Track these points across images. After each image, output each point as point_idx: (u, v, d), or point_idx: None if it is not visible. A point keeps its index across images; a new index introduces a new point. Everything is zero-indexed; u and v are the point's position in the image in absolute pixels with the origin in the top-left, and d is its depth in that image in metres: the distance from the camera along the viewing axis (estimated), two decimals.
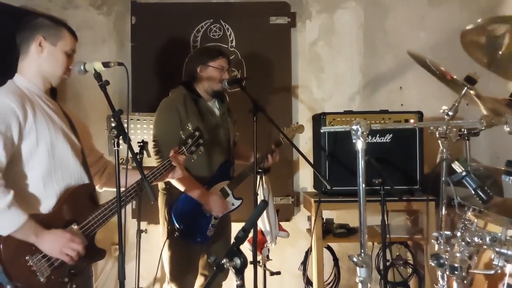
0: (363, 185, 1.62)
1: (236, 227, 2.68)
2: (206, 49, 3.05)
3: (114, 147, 1.70)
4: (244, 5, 3.62)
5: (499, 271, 1.36)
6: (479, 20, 1.43)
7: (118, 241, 1.68)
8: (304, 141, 3.54)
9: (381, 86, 3.69)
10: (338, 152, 3.03)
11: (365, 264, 1.53)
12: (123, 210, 1.70)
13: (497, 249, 1.36)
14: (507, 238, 1.37)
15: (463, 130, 1.87)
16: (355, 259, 1.54)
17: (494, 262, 1.36)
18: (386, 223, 2.69)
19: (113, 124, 1.75)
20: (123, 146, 1.78)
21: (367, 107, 3.55)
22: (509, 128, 1.58)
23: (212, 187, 2.57)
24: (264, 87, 3.54)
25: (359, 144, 1.60)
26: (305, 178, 3.63)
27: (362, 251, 1.57)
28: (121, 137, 1.71)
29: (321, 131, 3.03)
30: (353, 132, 1.60)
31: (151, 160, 2.56)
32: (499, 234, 1.39)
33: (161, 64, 3.50)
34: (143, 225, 3.00)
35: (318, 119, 3.14)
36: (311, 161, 3.17)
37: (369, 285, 1.53)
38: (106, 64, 1.76)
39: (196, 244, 2.54)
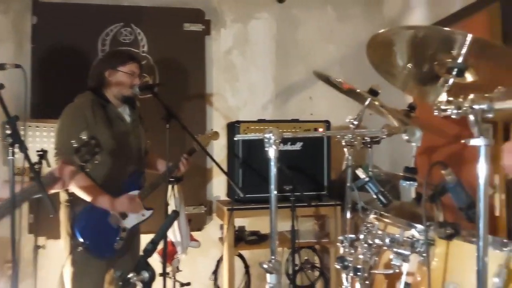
0: (275, 192, 1.64)
1: (146, 239, 2.60)
2: (115, 53, 2.93)
3: (9, 156, 1.56)
4: (156, 10, 3.55)
5: (397, 270, 1.44)
6: (382, 30, 1.52)
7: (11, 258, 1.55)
8: (219, 149, 3.54)
9: (293, 96, 3.80)
10: (251, 159, 3.08)
11: (275, 270, 1.55)
12: (16, 224, 1.56)
13: (395, 250, 1.44)
14: (404, 239, 1.46)
15: (366, 138, 1.96)
16: (265, 266, 1.55)
17: (392, 262, 1.44)
18: (296, 228, 2.76)
19: (8, 132, 1.61)
20: (19, 155, 1.65)
21: (279, 116, 3.64)
22: (407, 136, 1.70)
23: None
24: (178, 94, 3.49)
25: (272, 152, 1.62)
26: (218, 186, 3.62)
27: (273, 257, 1.58)
28: (17, 145, 1.58)
29: (235, 139, 3.06)
30: (266, 140, 1.62)
31: None
32: (397, 236, 1.47)
33: (66, 68, 3.29)
34: (41, 240, 2.81)
35: (233, 127, 3.16)
36: (225, 169, 3.18)
37: None
38: (1, 66, 1.63)
39: (102, 259, 2.40)
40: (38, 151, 2.41)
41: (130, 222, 2.47)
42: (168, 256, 2.67)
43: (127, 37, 3.48)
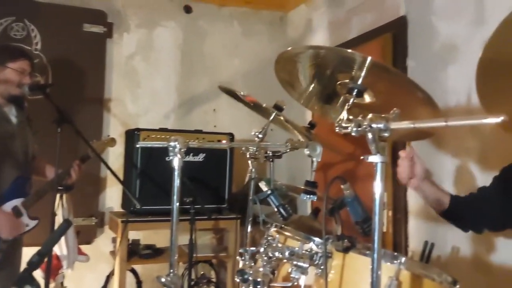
0: (177, 204, 1.59)
1: (27, 252, 2.38)
2: (4, 48, 2.67)
3: None
4: (54, 7, 3.32)
5: (295, 283, 1.46)
6: (290, 48, 1.56)
7: None
8: (114, 157, 3.37)
9: (196, 107, 3.77)
10: (150, 170, 2.97)
11: (174, 284, 1.50)
12: None
13: (294, 262, 1.46)
14: (303, 252, 1.49)
15: (268, 152, 2.00)
16: (163, 280, 1.49)
17: (291, 275, 1.46)
18: (194, 242, 2.71)
19: None
20: None
21: (181, 126, 3.58)
22: (309, 151, 1.75)
23: (3, 204, 2.23)
24: (73, 96, 3.28)
25: (176, 161, 1.57)
26: (112, 197, 3.45)
27: (172, 271, 1.52)
28: None
29: (137, 146, 2.94)
30: (171, 148, 1.56)
31: None
32: (297, 249, 1.50)
33: None
34: None
35: (132, 135, 3.04)
36: (121, 178, 3.03)
37: None
38: None
39: None
40: None
41: None
42: (52, 271, 2.46)
43: (18, 33, 3.21)
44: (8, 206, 2.25)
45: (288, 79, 1.79)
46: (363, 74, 1.47)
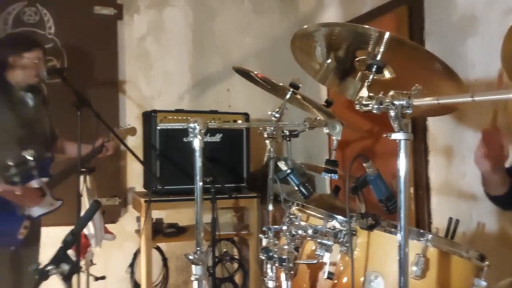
0: (200, 184, 1.61)
1: (48, 232, 2.44)
2: (19, 38, 2.72)
3: None
4: None
5: (320, 260, 1.48)
6: (305, 26, 1.54)
7: None
8: (132, 139, 3.41)
9: (210, 87, 3.77)
10: (169, 150, 3.00)
11: (201, 261, 1.53)
12: None
13: (319, 240, 1.48)
14: (327, 229, 1.50)
15: (285, 131, 2.00)
16: (191, 257, 1.52)
17: (316, 252, 1.48)
18: (217, 220, 2.75)
19: None
20: None
21: (196, 107, 3.59)
22: (328, 130, 1.75)
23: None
24: (87, 80, 3.30)
25: (197, 142, 1.58)
26: (134, 177, 3.50)
27: (198, 248, 1.56)
28: None
29: (158, 128, 2.97)
30: (191, 130, 1.57)
31: None
32: (320, 227, 1.51)
33: None
34: None
35: (149, 117, 3.06)
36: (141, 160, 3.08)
37: (204, 282, 1.53)
38: None
39: (4, 248, 2.22)
40: None
41: (36, 211, 2.30)
42: (81, 249, 2.54)
43: (31, 17, 3.21)
44: (33, 185, 2.29)
45: (304, 57, 1.77)
46: (381, 49, 1.45)
